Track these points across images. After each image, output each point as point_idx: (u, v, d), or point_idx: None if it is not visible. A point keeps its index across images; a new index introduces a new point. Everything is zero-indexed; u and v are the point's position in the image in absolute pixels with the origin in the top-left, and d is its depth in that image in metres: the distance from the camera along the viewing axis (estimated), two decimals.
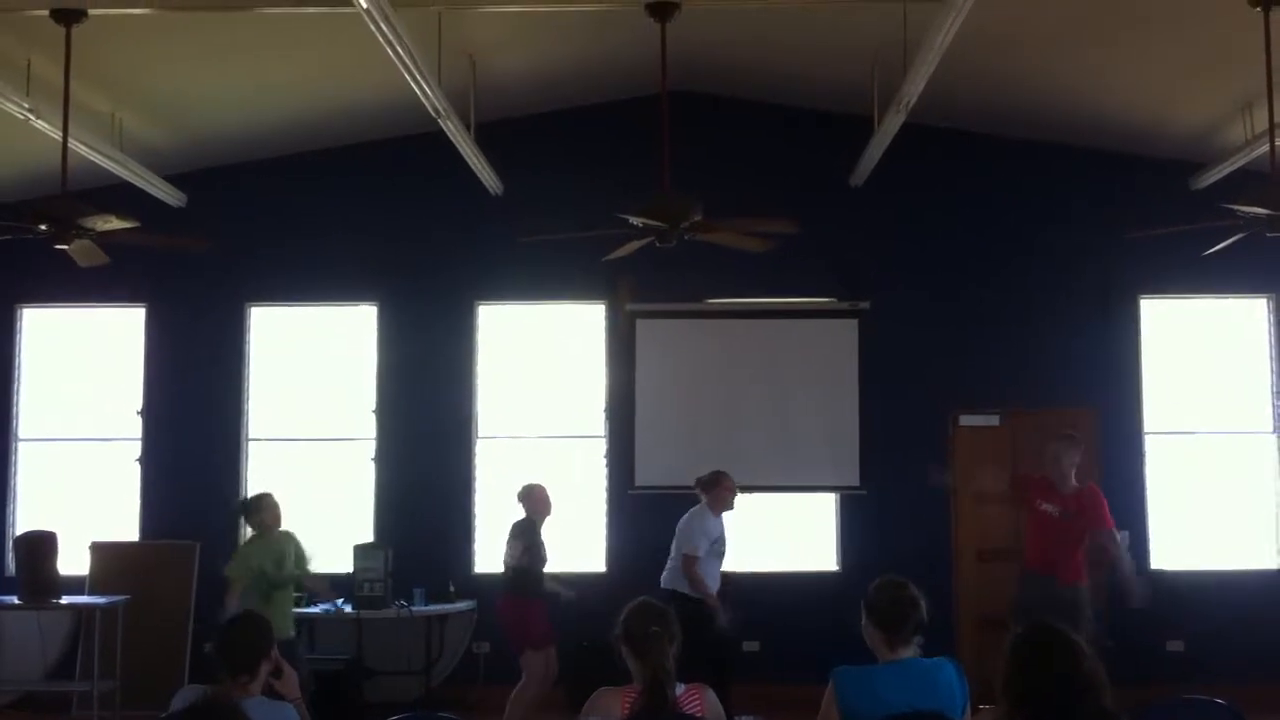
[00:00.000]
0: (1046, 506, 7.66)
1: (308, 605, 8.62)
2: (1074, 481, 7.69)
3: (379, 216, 9.88)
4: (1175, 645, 9.39)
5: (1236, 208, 6.55)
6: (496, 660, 8.96)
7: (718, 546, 8.07)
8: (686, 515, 8.14)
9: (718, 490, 8.12)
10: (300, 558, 7.59)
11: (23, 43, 6.92)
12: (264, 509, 7.52)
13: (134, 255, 7.43)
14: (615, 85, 9.23)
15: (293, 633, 7.54)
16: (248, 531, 7.82)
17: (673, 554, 8.12)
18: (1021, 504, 8.09)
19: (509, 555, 7.88)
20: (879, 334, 9.61)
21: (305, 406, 9.96)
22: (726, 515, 8.20)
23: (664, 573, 8.10)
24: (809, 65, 8.94)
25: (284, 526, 7.58)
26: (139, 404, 9.86)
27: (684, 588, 7.89)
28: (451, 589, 9.22)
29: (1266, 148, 6.81)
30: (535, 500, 8.05)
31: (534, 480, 8.22)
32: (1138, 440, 9.71)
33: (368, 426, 9.85)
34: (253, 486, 9.75)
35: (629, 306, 9.69)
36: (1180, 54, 7.98)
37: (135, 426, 9.85)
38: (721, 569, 8.14)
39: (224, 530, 9.23)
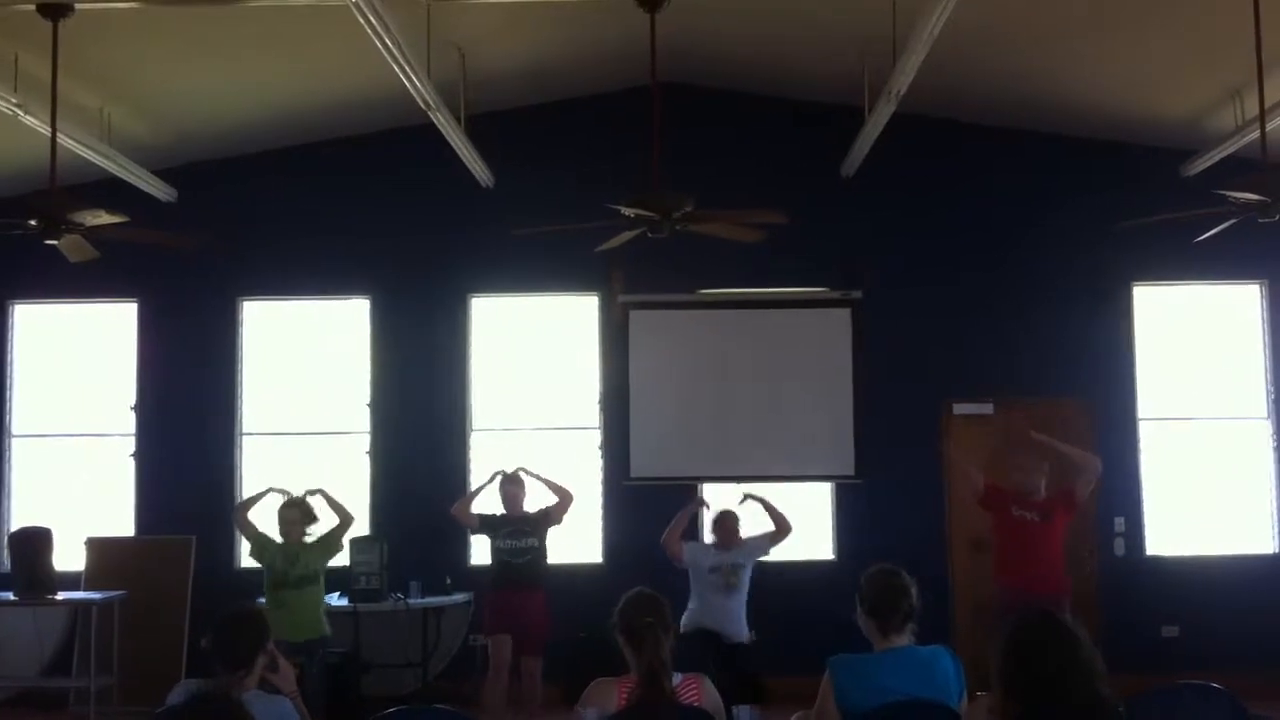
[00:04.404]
0: (1024, 513, 7.37)
1: None
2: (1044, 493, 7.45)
3: (370, 210, 9.85)
4: (1171, 631, 9.41)
5: (1228, 194, 6.54)
6: None
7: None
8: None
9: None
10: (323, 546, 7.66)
11: (10, 38, 6.89)
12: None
13: (125, 250, 7.43)
14: (605, 77, 9.20)
15: (328, 630, 7.62)
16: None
17: None
18: (994, 512, 7.58)
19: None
20: (872, 323, 9.60)
21: (299, 401, 9.95)
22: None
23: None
24: (799, 56, 8.92)
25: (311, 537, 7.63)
26: (132, 399, 9.84)
27: None
28: (448, 581, 9.22)
29: (1257, 134, 6.81)
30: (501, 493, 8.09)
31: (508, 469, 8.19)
32: (1132, 427, 9.72)
33: (362, 420, 9.84)
34: (247, 481, 9.76)
35: (622, 298, 9.68)
36: (1170, 41, 7.97)
37: (129, 422, 9.82)
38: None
39: (219, 525, 9.24)
